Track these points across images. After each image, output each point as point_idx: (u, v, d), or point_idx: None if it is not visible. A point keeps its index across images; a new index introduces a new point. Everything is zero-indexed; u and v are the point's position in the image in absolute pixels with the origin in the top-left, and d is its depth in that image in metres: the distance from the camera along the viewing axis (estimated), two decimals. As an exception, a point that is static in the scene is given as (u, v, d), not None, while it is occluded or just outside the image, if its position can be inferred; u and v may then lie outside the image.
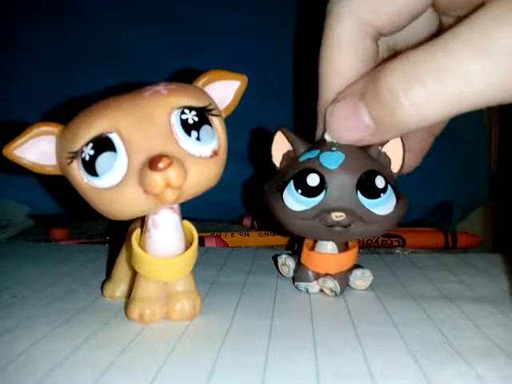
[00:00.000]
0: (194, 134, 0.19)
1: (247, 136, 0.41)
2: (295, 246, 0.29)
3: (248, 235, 0.38)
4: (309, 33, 0.41)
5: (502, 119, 0.57)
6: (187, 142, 0.18)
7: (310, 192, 0.22)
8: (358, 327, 0.20)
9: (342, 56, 0.22)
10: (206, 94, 0.20)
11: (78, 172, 0.18)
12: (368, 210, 0.22)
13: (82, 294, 0.23)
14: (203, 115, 0.19)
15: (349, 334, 0.19)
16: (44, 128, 0.19)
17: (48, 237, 0.38)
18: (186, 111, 0.19)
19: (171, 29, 0.42)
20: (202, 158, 0.19)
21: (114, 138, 0.18)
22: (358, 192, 0.22)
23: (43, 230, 0.40)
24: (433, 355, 0.17)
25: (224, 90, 0.20)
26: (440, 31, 0.22)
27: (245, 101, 0.21)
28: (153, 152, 0.18)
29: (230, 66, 0.21)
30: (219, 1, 0.43)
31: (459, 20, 0.18)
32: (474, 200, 0.51)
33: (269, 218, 0.25)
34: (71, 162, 0.18)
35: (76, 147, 0.18)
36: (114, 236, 0.32)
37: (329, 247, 0.25)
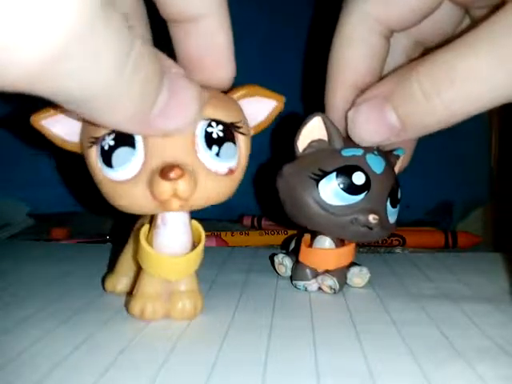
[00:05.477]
0: (215, 149, 0.18)
1: None
2: (290, 244, 0.29)
3: (248, 234, 0.38)
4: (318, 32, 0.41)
5: (502, 119, 0.56)
6: (206, 156, 0.18)
7: (352, 189, 0.22)
8: (358, 326, 0.20)
9: (352, 51, 0.23)
10: (238, 110, 0.20)
11: (94, 158, 0.18)
12: (386, 217, 0.23)
13: (82, 293, 0.23)
14: (229, 131, 0.19)
15: (349, 332, 0.19)
16: None
17: (48, 236, 0.38)
18: (213, 124, 0.18)
19: None
20: (217, 174, 0.19)
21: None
22: (388, 199, 0.23)
23: (43, 229, 0.39)
24: (432, 354, 0.17)
25: (258, 107, 0.20)
26: (470, 26, 0.22)
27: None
28: (169, 158, 0.17)
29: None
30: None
31: (485, 15, 0.18)
32: (474, 200, 0.51)
33: (276, 205, 0.24)
34: (91, 146, 0.18)
35: (99, 133, 0.18)
36: (119, 232, 0.32)
37: (327, 243, 0.25)
